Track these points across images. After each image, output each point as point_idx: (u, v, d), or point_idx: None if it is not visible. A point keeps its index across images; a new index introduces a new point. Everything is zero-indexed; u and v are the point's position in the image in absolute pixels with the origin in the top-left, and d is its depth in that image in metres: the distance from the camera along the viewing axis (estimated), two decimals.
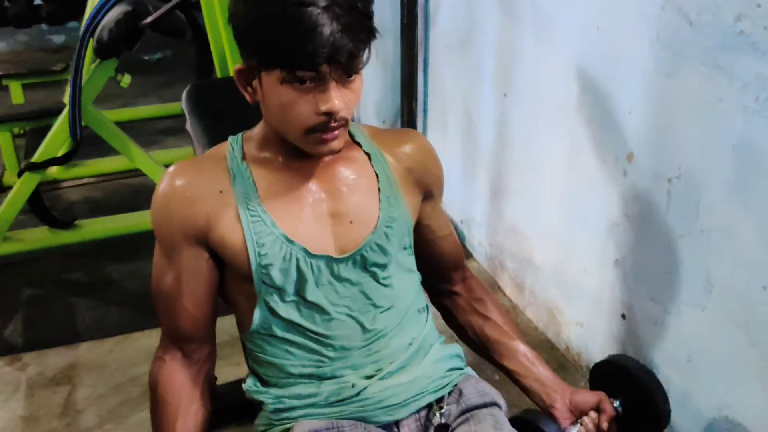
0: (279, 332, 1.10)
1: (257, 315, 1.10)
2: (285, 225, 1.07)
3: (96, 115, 2.60)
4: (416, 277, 1.21)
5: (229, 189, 1.08)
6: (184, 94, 1.58)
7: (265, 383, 1.15)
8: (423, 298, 1.22)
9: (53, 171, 3.28)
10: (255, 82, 1.01)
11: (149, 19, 2.32)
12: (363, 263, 1.10)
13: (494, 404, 1.12)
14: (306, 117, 0.98)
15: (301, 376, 1.11)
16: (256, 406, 1.16)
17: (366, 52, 0.97)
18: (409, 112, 2.86)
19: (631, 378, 1.21)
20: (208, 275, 1.11)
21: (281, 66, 0.95)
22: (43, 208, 2.69)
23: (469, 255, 2.71)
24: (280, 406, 1.11)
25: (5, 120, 3.16)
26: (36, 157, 2.58)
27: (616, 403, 1.20)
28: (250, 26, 0.95)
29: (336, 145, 1.03)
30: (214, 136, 1.48)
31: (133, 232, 2.81)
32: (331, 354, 1.10)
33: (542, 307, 2.26)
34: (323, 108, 0.97)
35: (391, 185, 1.14)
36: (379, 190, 1.12)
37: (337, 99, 0.97)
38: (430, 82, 2.83)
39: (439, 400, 1.14)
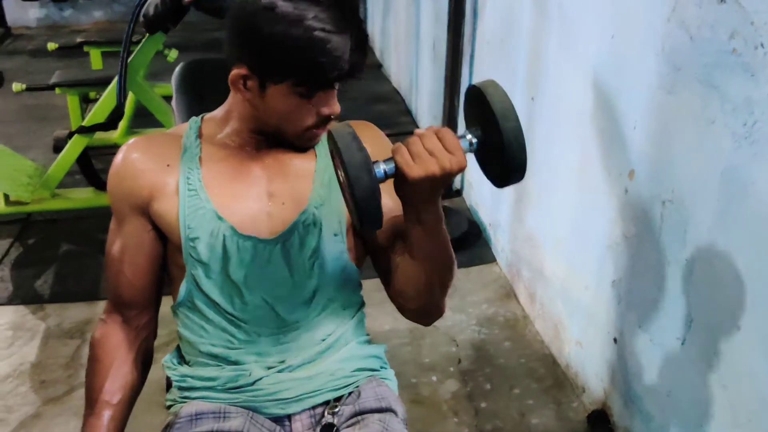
0: (199, 307, 1.12)
1: (183, 287, 1.12)
2: (218, 202, 1.10)
3: (143, 86, 2.70)
4: (347, 270, 1.18)
5: (177, 163, 1.12)
6: (175, 71, 1.61)
7: (180, 360, 1.18)
8: (355, 295, 1.21)
9: (114, 136, 3.44)
10: (251, 84, 1.04)
11: None
12: (292, 245, 1.10)
13: (389, 410, 1.10)
14: (308, 119, 1.08)
15: (209, 356, 1.13)
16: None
17: None
18: (450, 107, 2.82)
19: (488, 110, 0.98)
20: (149, 246, 1.14)
21: (301, 83, 1.03)
22: (91, 169, 2.83)
23: (492, 260, 2.64)
24: (184, 384, 1.13)
25: (74, 84, 3.33)
26: (86, 122, 2.71)
27: (470, 136, 0.99)
28: (271, 44, 1.00)
29: (319, 139, 1.14)
30: (195, 114, 1.51)
31: None
32: (241, 337, 1.11)
33: (549, 320, 2.19)
34: (328, 112, 1.07)
35: (326, 171, 1.14)
36: (314, 171, 1.14)
37: (337, 103, 1.07)
38: (474, 79, 2.77)
39: (338, 399, 1.13)
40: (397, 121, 3.85)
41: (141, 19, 2.50)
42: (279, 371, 1.10)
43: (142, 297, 1.17)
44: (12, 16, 5.15)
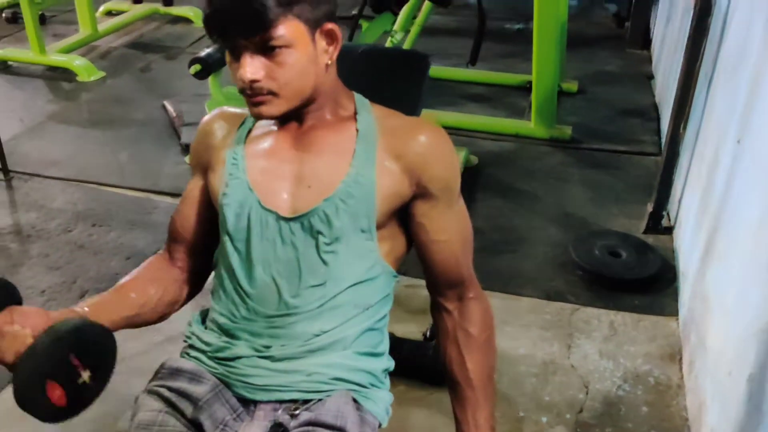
0: (222, 274, 1.18)
1: (217, 251, 1.19)
2: (253, 174, 1.15)
3: None
4: (373, 269, 1.15)
5: (234, 135, 1.20)
6: None
7: (202, 319, 1.24)
8: (373, 297, 1.17)
9: None
10: None
11: None
12: (310, 229, 1.11)
13: (341, 430, 1.04)
14: (236, 81, 1.08)
15: (215, 323, 1.18)
16: None
17: (275, 26, 1.01)
18: (673, 132, 2.50)
19: None
20: (197, 200, 1.25)
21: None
22: None
23: (673, 313, 2.32)
24: (188, 341, 1.21)
25: None
26: None
27: None
28: None
29: (264, 110, 1.09)
30: None
31: None
32: (243, 313, 1.15)
33: (697, 397, 1.87)
34: (238, 75, 1.06)
35: (367, 164, 1.12)
36: (350, 165, 1.11)
37: (249, 68, 1.04)
38: (707, 108, 2.42)
39: (305, 402, 1.10)
40: (641, 138, 3.52)
41: None
42: (260, 356, 1.12)
43: (186, 241, 1.26)
44: None
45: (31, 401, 0.96)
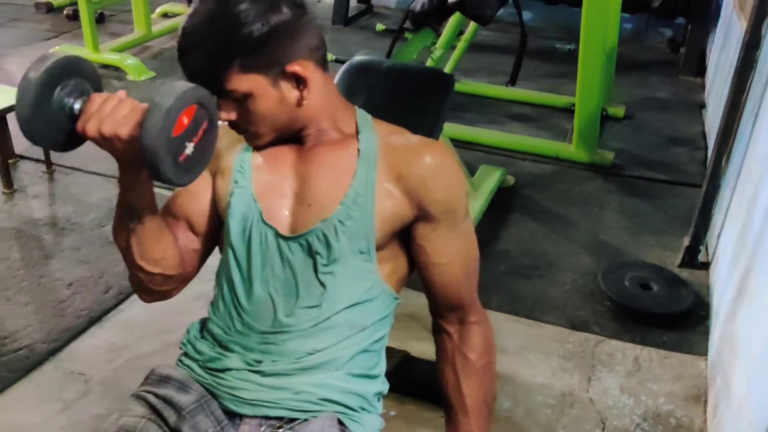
0: (222, 284, 1.17)
1: (220, 259, 1.18)
2: (258, 185, 1.14)
3: None
4: (372, 290, 1.13)
5: (241, 147, 1.19)
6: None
7: (201, 328, 1.23)
8: (370, 319, 1.15)
9: None
10: None
11: None
12: (308, 249, 1.10)
13: None
14: None
15: (210, 333, 1.18)
16: None
17: (226, 84, 1.04)
18: (714, 164, 2.41)
19: None
20: (203, 185, 1.20)
21: None
22: None
23: (702, 353, 2.23)
24: (183, 349, 1.20)
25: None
26: None
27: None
28: None
29: (250, 143, 1.15)
30: None
31: None
32: (237, 326, 1.14)
33: None
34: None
35: (367, 186, 1.10)
36: (350, 186, 1.10)
37: (223, 112, 1.08)
38: (752, 140, 2.33)
39: (290, 420, 1.08)
40: (685, 168, 3.42)
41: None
42: (250, 370, 1.10)
43: (186, 217, 1.21)
44: None
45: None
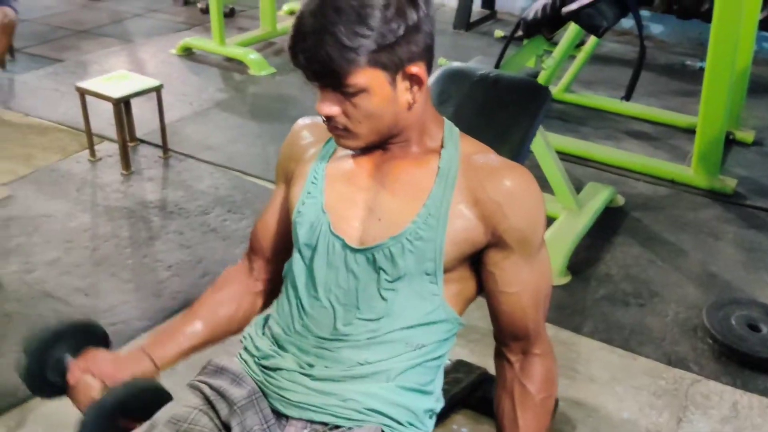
0: (287, 285, 1.18)
1: (287, 264, 1.19)
2: (329, 196, 1.13)
3: None
4: (435, 312, 1.10)
5: (319, 151, 1.19)
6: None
7: (265, 323, 1.23)
8: (430, 338, 1.11)
9: None
10: None
11: (568, 8, 2.31)
12: (373, 263, 1.09)
13: None
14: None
15: (270, 331, 1.18)
16: None
17: (348, 77, 0.99)
18: None
19: None
20: (280, 211, 1.26)
21: None
22: None
23: None
24: (243, 342, 1.22)
25: None
26: None
27: None
28: None
29: (342, 142, 1.10)
30: None
31: None
32: (297, 327, 1.14)
33: None
34: (316, 107, 1.05)
35: (442, 206, 1.07)
36: (424, 204, 1.07)
37: (324, 104, 1.04)
38: None
39: (335, 427, 1.06)
40: None
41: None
42: (301, 372, 1.10)
43: (264, 252, 1.29)
44: (500, 3, 5.62)
45: None
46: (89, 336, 1.23)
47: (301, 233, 1.13)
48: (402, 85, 1.04)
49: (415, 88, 1.05)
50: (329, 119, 1.05)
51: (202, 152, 3.36)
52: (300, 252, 1.15)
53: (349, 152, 1.15)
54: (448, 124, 1.16)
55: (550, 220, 2.74)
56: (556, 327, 2.31)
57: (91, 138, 3.23)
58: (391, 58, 1.00)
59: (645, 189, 3.21)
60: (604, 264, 2.66)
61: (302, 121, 1.27)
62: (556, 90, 4.07)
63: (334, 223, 1.11)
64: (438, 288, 1.09)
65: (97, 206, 2.91)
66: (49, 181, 3.07)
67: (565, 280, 2.55)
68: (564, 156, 3.42)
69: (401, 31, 0.99)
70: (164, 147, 3.32)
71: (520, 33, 2.56)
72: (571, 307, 2.42)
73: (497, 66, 2.61)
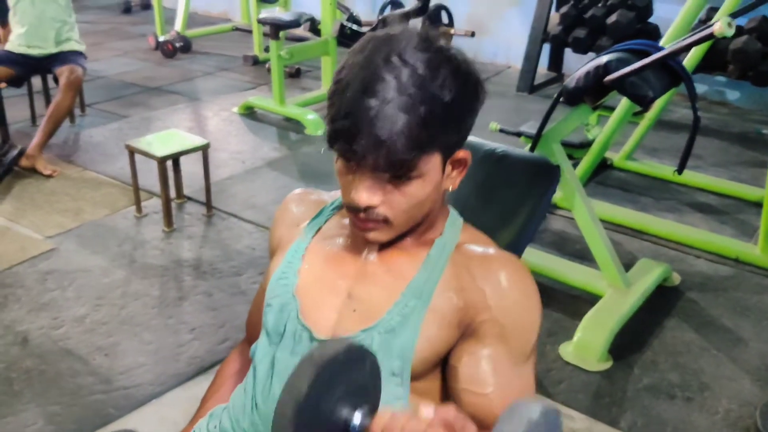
0: (252, 367, 1.09)
1: (256, 342, 1.11)
2: (304, 280, 1.06)
3: (553, 152, 2.57)
4: None
5: (303, 226, 1.13)
6: None
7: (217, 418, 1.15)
8: None
9: (556, 197, 3.40)
10: None
11: (611, 77, 2.18)
12: None
13: None
14: (344, 195, 0.99)
15: (220, 425, 1.10)
16: None
17: (419, 161, 0.91)
18: None
19: None
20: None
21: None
22: None
23: None
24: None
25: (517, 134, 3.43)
26: None
27: None
28: (333, 80, 0.97)
29: (371, 236, 1.00)
30: None
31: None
32: (245, 425, 1.05)
33: None
34: (351, 195, 0.95)
35: (421, 296, 0.97)
36: (402, 294, 0.98)
37: (367, 193, 0.93)
38: None
39: None
40: None
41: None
42: None
43: (256, 334, 1.18)
44: (568, 66, 5.51)
45: None
46: None
47: (269, 318, 1.05)
48: (448, 169, 0.98)
49: (456, 173, 1.00)
50: (366, 209, 0.95)
51: (245, 211, 3.36)
52: (268, 336, 1.06)
53: (338, 231, 1.08)
54: (453, 214, 1.08)
55: (595, 298, 2.57)
56: (590, 419, 2.13)
57: (138, 194, 3.27)
58: (451, 142, 0.95)
59: (705, 267, 2.98)
60: (650, 350, 2.45)
61: (293, 193, 1.21)
62: (617, 157, 3.90)
63: (304, 310, 1.02)
64: (404, 392, 0.98)
65: (134, 263, 2.92)
66: (93, 236, 3.12)
67: (606, 365, 2.36)
68: (619, 228, 3.25)
69: (470, 117, 0.95)
70: (208, 205, 3.33)
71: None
72: (609, 396, 2.23)
73: (539, 133, 2.50)
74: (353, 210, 0.97)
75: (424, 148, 0.90)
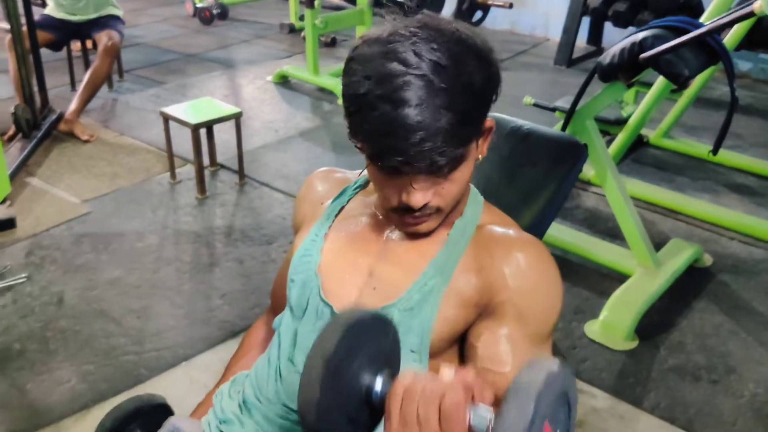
0: (275, 339, 1.12)
1: (281, 314, 1.14)
2: (326, 258, 1.08)
3: (586, 129, 2.54)
4: None
5: (327, 205, 1.14)
6: None
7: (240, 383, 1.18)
8: None
9: (589, 174, 3.36)
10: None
11: (646, 54, 2.14)
12: None
13: None
14: (389, 200, 0.98)
15: (242, 391, 1.13)
16: None
17: (461, 153, 0.92)
18: None
19: None
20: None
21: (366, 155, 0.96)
22: None
23: None
24: (216, 399, 1.17)
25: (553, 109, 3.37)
26: None
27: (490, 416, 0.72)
28: (349, 99, 0.94)
29: (422, 228, 1.00)
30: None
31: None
32: (268, 393, 1.08)
33: None
34: (404, 199, 0.95)
35: (441, 275, 0.98)
36: (423, 273, 1.00)
37: (420, 194, 0.94)
38: None
39: None
40: None
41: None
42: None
43: (280, 305, 1.21)
44: (607, 39, 5.40)
45: None
46: (155, 409, 1.19)
47: (293, 294, 1.08)
48: (480, 142, 0.99)
49: (483, 141, 1.00)
50: (410, 210, 0.96)
51: (276, 180, 3.39)
52: (291, 311, 1.09)
53: (360, 211, 1.10)
54: (474, 192, 1.08)
55: (624, 278, 2.55)
56: (614, 398, 2.12)
57: (172, 161, 3.32)
58: (484, 119, 0.97)
59: (739, 249, 2.93)
60: (678, 331, 2.43)
61: (318, 171, 1.23)
62: (653, 135, 3.84)
63: (326, 287, 1.04)
64: (422, 368, 0.99)
65: (167, 228, 2.97)
66: (128, 201, 3.18)
67: (632, 345, 2.35)
68: (653, 207, 3.21)
69: (498, 87, 0.95)
70: (240, 173, 3.37)
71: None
72: (634, 375, 2.22)
73: (572, 109, 2.47)
74: (402, 211, 0.97)
75: (471, 137, 0.92)
